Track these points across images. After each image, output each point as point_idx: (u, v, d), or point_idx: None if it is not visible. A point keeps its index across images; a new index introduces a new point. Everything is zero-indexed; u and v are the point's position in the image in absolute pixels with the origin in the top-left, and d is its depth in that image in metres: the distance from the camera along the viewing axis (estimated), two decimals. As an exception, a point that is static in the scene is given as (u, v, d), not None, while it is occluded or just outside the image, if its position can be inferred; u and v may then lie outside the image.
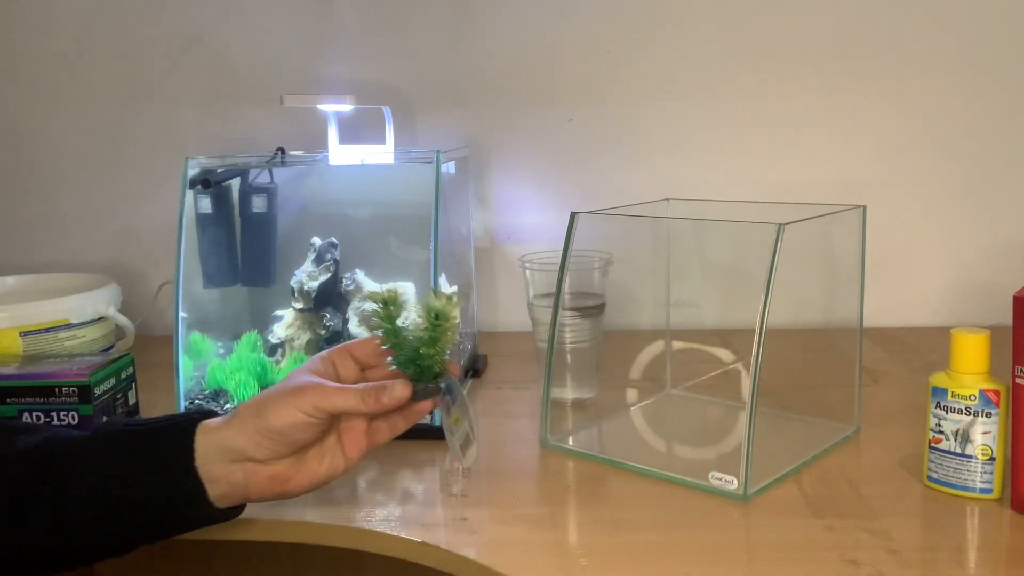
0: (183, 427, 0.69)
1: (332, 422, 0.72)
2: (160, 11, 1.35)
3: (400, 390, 0.70)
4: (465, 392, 0.73)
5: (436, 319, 0.70)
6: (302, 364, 0.74)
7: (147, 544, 0.71)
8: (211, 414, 0.72)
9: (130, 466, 0.68)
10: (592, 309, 1.00)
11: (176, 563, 1.18)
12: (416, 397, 0.72)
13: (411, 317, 1.08)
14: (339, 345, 0.75)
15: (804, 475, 0.82)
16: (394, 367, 0.73)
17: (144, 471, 0.68)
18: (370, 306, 0.74)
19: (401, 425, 0.74)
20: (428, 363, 0.71)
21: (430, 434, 0.92)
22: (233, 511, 0.72)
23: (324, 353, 0.75)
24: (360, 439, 0.72)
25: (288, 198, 1.11)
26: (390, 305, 0.71)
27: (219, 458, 0.68)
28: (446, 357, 0.72)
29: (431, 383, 0.72)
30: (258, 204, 1.08)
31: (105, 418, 0.89)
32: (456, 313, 0.71)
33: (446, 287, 1.06)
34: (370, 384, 0.71)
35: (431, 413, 0.84)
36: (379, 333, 0.73)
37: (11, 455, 0.68)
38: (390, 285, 1.08)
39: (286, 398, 0.68)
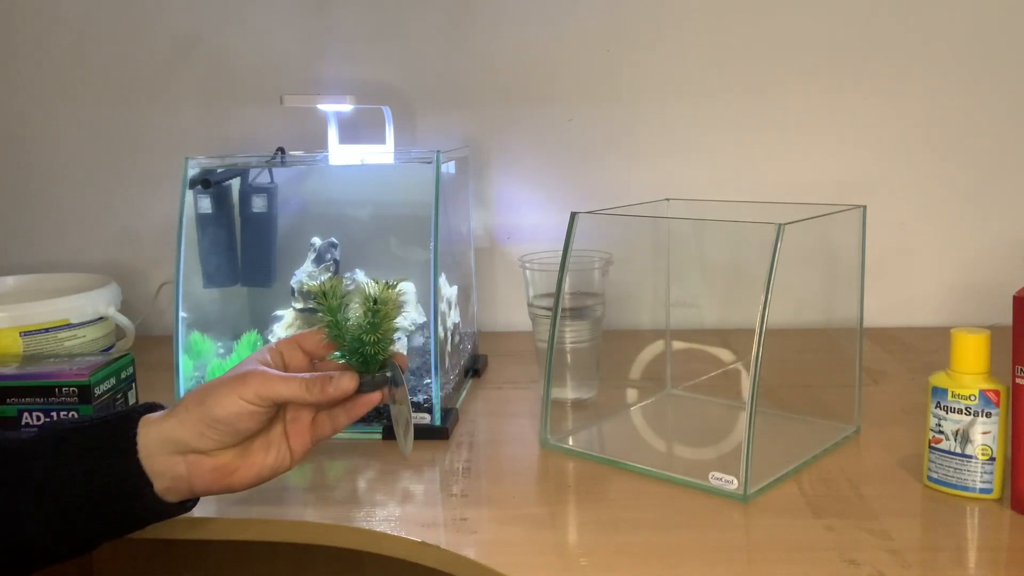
0: (124, 421, 0.68)
1: (277, 412, 0.70)
2: (160, 11, 1.35)
3: (347, 382, 0.69)
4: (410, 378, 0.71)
5: (375, 305, 0.69)
6: (250, 355, 0.73)
7: (106, 541, 0.69)
8: (156, 407, 0.70)
9: (74, 464, 0.66)
10: (592, 309, 1.00)
11: (176, 563, 1.18)
12: (362, 389, 0.71)
13: (411, 317, 1.08)
14: (289, 336, 0.74)
15: (804, 475, 0.82)
16: (340, 359, 0.71)
17: (87, 468, 0.66)
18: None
19: (343, 420, 0.73)
20: (372, 351, 0.70)
21: (430, 434, 0.92)
22: (184, 505, 0.70)
23: (272, 343, 0.74)
24: (305, 433, 0.71)
25: (288, 198, 1.11)
26: (329, 296, 0.70)
27: (162, 451, 0.67)
28: (390, 346, 0.71)
29: (377, 374, 0.71)
30: (258, 204, 1.08)
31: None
32: (395, 298, 0.70)
33: (446, 287, 1.06)
34: (316, 374, 0.69)
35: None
36: (322, 326, 0.72)
37: None
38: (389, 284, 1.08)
39: (230, 386, 0.67)
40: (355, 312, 0.71)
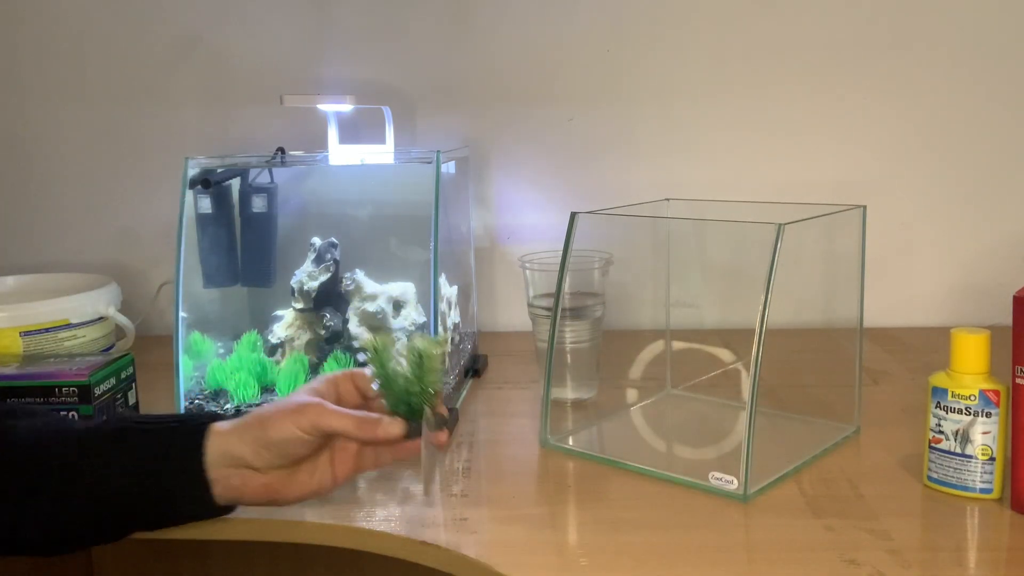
0: (196, 428, 0.72)
1: (327, 440, 0.74)
2: (160, 11, 1.35)
3: (394, 428, 0.73)
4: (460, 399, 0.75)
5: (419, 359, 0.73)
6: (308, 382, 0.78)
7: (145, 531, 0.73)
8: (218, 417, 0.75)
9: (140, 461, 0.71)
10: (592, 309, 1.00)
11: (176, 563, 1.18)
12: (408, 436, 0.74)
13: (411, 317, 1.08)
14: (345, 371, 0.78)
15: (804, 475, 0.82)
16: (388, 406, 0.75)
17: (155, 467, 0.71)
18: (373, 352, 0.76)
19: (387, 458, 0.77)
20: (417, 401, 0.74)
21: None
22: (228, 508, 0.74)
23: (330, 375, 0.78)
24: (349, 462, 0.75)
25: (288, 198, 1.11)
26: (380, 351, 0.74)
27: (221, 461, 0.71)
28: (435, 397, 0.75)
29: (420, 420, 0.75)
30: (258, 204, 1.08)
31: (105, 417, 0.89)
32: (440, 352, 0.74)
33: (446, 287, 1.06)
34: (368, 414, 0.74)
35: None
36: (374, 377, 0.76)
37: (16, 440, 0.71)
38: (390, 285, 1.08)
39: (287, 415, 0.72)
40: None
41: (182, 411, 0.97)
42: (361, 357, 1.02)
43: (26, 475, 0.70)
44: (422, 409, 0.74)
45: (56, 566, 1.08)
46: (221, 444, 0.71)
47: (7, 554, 0.72)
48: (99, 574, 1.19)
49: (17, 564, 0.99)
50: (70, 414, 0.87)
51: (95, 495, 0.70)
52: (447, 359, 0.76)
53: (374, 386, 0.75)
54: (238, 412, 0.96)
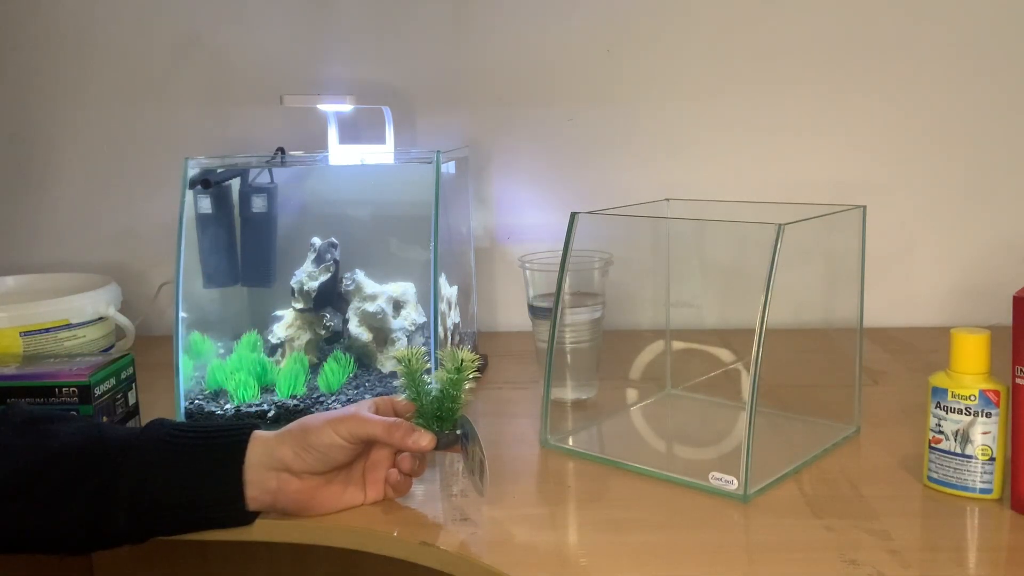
0: (239, 436, 0.75)
1: (363, 452, 0.78)
2: (160, 11, 1.35)
3: (425, 440, 0.76)
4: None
5: (459, 368, 0.76)
6: (354, 404, 0.81)
7: (173, 535, 0.75)
8: (258, 426, 0.78)
9: (181, 468, 0.73)
10: (592, 309, 1.00)
11: (176, 563, 1.18)
12: (439, 447, 0.77)
13: (411, 317, 1.08)
14: (385, 397, 0.82)
15: (804, 475, 0.82)
16: (418, 420, 0.78)
17: (195, 474, 0.73)
18: (393, 361, 0.81)
19: (420, 470, 0.80)
20: (451, 409, 0.78)
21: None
22: (253, 515, 0.76)
23: (370, 400, 0.81)
24: (379, 481, 0.79)
25: (288, 198, 1.11)
26: (411, 363, 0.77)
27: (262, 464, 0.74)
28: (461, 407, 0.78)
29: (450, 431, 0.78)
30: (258, 204, 1.08)
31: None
32: (468, 366, 0.77)
33: (446, 287, 1.06)
34: (401, 421, 0.77)
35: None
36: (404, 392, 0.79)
37: (56, 445, 0.73)
38: (390, 285, 1.08)
39: (328, 422, 0.75)
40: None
41: (182, 411, 0.97)
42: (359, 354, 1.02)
43: (65, 479, 0.72)
44: (453, 419, 0.78)
45: (56, 566, 1.08)
46: (263, 445, 0.74)
47: (38, 552, 0.74)
48: (99, 574, 1.19)
49: (17, 564, 0.99)
50: (70, 414, 0.87)
51: (133, 500, 0.72)
52: (471, 375, 0.79)
53: (401, 397, 0.79)
54: (238, 412, 0.96)
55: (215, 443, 0.75)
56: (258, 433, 0.76)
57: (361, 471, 0.79)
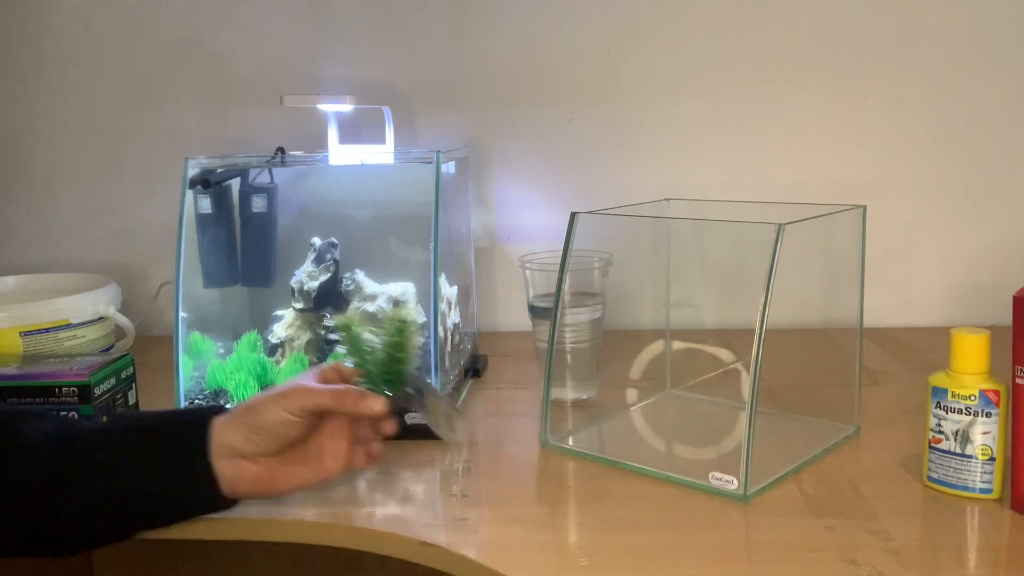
0: (198, 421, 0.74)
1: (316, 425, 0.76)
2: (160, 11, 1.35)
3: (378, 404, 0.75)
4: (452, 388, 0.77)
5: (401, 330, 0.75)
6: (298, 375, 0.79)
7: (153, 530, 0.75)
8: (220, 410, 0.76)
9: (148, 458, 0.72)
10: (592, 309, 1.00)
11: (176, 563, 1.18)
12: (394, 409, 0.76)
13: (411, 317, 1.08)
14: (330, 363, 0.80)
15: (804, 475, 0.82)
16: (367, 386, 0.77)
17: (165, 468, 0.72)
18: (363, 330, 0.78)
19: (377, 449, 0.78)
20: (397, 371, 0.76)
21: (430, 434, 0.92)
22: (234, 501, 0.75)
23: (315, 367, 0.80)
24: (340, 454, 0.76)
25: (288, 198, 1.11)
26: (352, 329, 0.75)
27: (216, 453, 0.73)
28: (406, 365, 0.76)
29: (401, 393, 0.76)
30: (258, 204, 1.08)
31: (105, 418, 0.89)
32: (409, 325, 0.75)
33: (446, 287, 1.06)
34: (351, 387, 0.75)
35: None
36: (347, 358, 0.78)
37: (30, 444, 0.72)
38: (390, 285, 1.08)
39: (275, 399, 0.74)
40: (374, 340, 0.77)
41: (190, 407, 0.97)
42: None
43: (38, 478, 0.71)
44: (403, 379, 0.75)
45: (56, 566, 1.08)
46: (217, 436, 0.73)
47: (19, 555, 0.73)
48: (99, 574, 1.19)
49: (17, 564, 0.99)
50: (70, 414, 0.87)
51: (106, 496, 0.71)
52: (414, 331, 0.77)
53: (348, 364, 0.76)
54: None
55: (178, 432, 0.73)
56: (215, 420, 0.74)
57: (318, 444, 0.76)
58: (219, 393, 1.01)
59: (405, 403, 0.77)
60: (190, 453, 0.72)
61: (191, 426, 0.74)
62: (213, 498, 0.73)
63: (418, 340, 0.76)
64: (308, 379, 0.76)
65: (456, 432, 0.76)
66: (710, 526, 0.73)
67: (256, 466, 0.73)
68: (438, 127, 1.34)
